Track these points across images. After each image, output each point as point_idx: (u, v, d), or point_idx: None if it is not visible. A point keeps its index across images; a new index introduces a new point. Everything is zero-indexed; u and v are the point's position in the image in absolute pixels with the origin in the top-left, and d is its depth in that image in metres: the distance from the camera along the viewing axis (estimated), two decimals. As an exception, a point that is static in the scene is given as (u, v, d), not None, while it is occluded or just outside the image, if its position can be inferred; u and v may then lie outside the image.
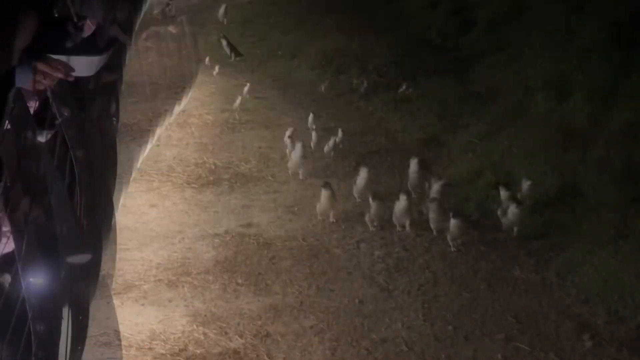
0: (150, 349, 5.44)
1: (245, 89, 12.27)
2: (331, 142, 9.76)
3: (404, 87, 7.26)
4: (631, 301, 6.41)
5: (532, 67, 7.10)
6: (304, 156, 9.39)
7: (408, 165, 8.91)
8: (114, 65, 6.05)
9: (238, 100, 12.17)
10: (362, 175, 8.70)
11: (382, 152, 9.89)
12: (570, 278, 6.99)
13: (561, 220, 8.09)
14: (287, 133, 10.14)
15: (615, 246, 7.06)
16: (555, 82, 6.59)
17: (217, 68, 13.66)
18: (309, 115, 10.56)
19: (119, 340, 5.53)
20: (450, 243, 7.72)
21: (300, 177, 9.45)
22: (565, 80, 6.53)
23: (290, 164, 9.51)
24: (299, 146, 9.41)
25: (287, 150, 9.87)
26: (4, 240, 2.72)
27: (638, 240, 6.96)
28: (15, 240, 2.77)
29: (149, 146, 10.03)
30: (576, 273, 7.00)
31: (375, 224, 8.02)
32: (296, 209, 8.79)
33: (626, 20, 6.76)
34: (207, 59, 16.18)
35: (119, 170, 6.79)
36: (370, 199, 8.18)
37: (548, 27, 7.59)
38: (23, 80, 3.18)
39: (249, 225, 8.14)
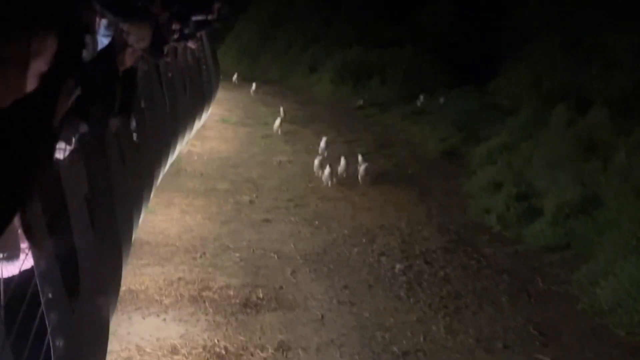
0: (171, 364, 5.45)
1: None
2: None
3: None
4: (654, 311, 6.37)
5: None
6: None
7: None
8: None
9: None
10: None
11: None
12: (592, 289, 6.96)
13: (583, 231, 8.07)
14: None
15: (638, 256, 7.01)
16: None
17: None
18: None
19: (140, 355, 5.54)
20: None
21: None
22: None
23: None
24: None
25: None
26: (22, 256, 2.73)
27: (660, 250, 6.92)
28: (34, 256, 2.79)
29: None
30: (598, 284, 6.96)
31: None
32: (316, 222, 8.82)
33: None
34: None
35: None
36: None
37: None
38: None
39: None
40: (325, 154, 11.02)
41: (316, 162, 10.61)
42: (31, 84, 2.34)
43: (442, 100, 15.29)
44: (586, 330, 6.36)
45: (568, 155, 9.74)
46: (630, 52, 12.43)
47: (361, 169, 9.98)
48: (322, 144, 11.59)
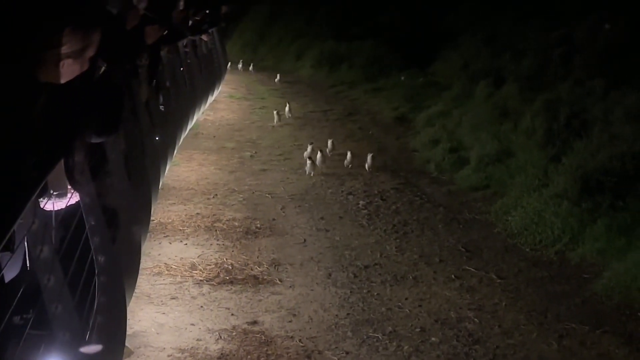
0: (191, 276, 5.38)
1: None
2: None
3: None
4: (551, 233, 6.35)
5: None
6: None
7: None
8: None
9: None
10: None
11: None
12: (505, 218, 6.93)
13: (498, 175, 8.03)
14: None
15: (539, 193, 6.98)
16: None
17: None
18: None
19: (168, 270, 5.47)
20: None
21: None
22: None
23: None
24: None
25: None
26: (69, 195, 2.64)
27: (556, 188, 6.86)
28: (79, 194, 2.70)
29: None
30: (510, 214, 6.93)
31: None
32: (300, 171, 8.72)
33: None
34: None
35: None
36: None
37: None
38: None
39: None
40: (330, 154, 9.17)
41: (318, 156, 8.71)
42: (85, 65, 2.27)
43: (402, 78, 14.94)
44: (501, 248, 6.34)
45: (487, 119, 9.66)
46: (533, 43, 12.31)
47: (368, 158, 8.68)
48: (329, 145, 9.35)
